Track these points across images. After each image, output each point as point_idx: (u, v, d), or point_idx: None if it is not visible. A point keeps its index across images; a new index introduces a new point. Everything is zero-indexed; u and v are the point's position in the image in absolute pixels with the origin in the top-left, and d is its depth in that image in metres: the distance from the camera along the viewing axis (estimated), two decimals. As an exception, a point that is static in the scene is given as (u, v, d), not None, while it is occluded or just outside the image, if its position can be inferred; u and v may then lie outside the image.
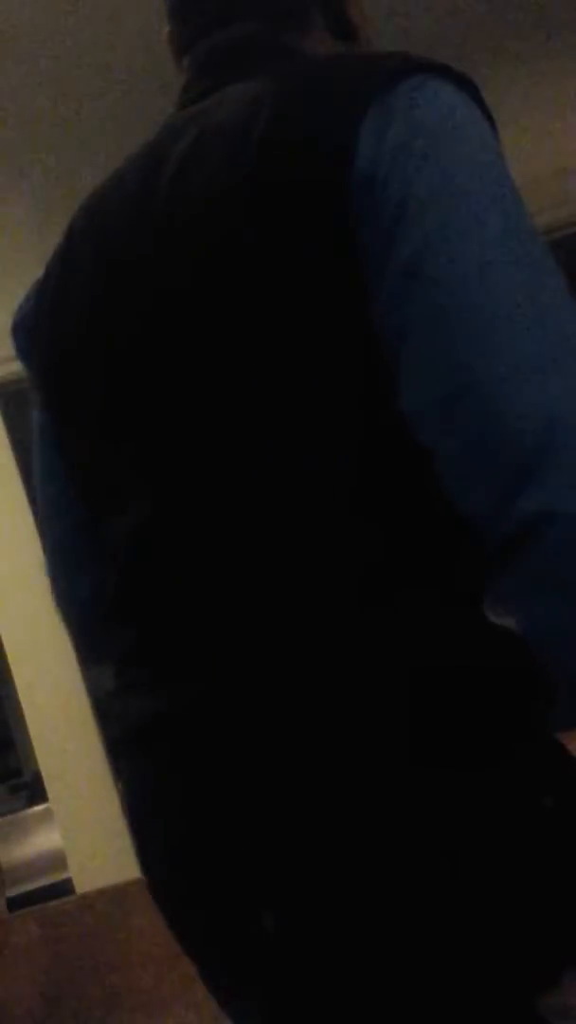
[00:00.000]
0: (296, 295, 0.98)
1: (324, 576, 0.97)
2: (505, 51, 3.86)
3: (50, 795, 3.87)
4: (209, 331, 1.04)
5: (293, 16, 1.18)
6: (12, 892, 4.00)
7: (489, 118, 1.03)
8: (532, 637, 0.92)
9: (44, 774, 3.89)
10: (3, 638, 3.91)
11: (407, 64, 1.01)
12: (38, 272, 1.29)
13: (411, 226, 0.95)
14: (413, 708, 0.94)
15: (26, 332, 1.25)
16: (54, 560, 1.31)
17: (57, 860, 4.15)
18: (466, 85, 1.03)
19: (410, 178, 0.96)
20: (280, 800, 0.98)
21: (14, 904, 3.90)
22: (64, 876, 4.03)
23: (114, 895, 3.52)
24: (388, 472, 0.97)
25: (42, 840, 4.51)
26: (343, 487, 0.98)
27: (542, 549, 0.88)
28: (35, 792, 5.29)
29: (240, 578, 1.01)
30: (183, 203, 1.06)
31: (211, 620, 1.02)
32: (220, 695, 1.01)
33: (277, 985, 1.02)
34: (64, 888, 4.03)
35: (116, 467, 1.13)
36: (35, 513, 1.36)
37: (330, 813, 0.95)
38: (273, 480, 1.00)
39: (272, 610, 0.98)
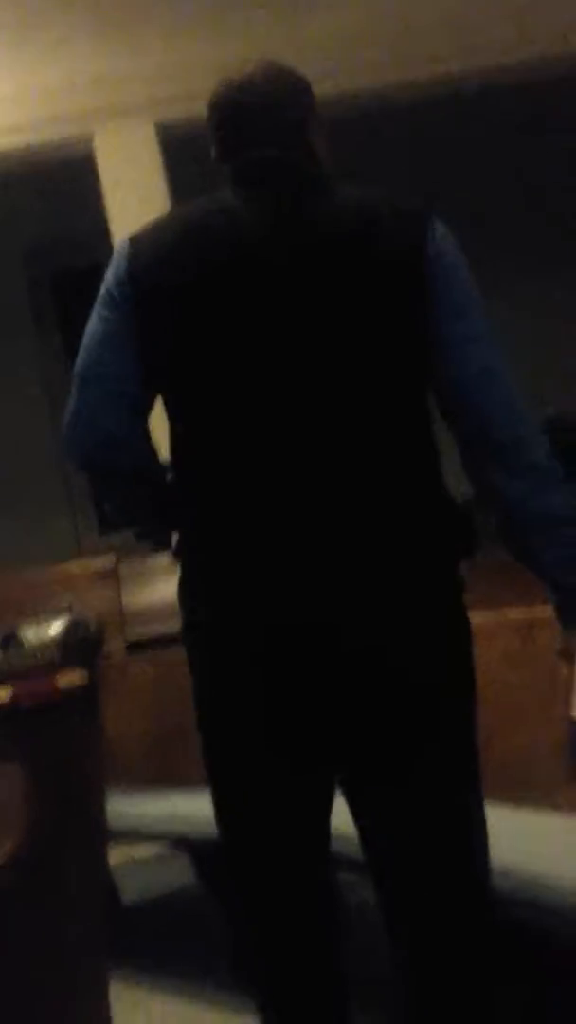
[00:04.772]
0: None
1: (401, 467, 1.91)
2: None
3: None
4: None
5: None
6: (132, 636, 4.13)
7: None
8: (507, 501, 1.92)
9: (172, 526, 3.95)
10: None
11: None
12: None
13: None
14: (431, 518, 1.93)
15: (150, 268, 1.92)
16: (103, 410, 1.94)
17: (176, 609, 4.24)
18: None
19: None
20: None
21: (133, 648, 4.03)
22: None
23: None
24: (426, 431, 1.93)
25: (164, 588, 4.61)
26: (410, 440, 1.92)
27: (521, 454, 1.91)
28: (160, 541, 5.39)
29: (354, 472, 1.88)
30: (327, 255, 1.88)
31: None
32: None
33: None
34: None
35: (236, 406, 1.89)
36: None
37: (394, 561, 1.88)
38: (377, 432, 1.89)
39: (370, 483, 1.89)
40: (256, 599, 1.89)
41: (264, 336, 1.88)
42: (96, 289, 2.05)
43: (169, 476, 2.01)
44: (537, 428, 1.95)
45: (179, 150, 4.20)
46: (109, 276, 1.96)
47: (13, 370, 6.61)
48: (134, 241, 1.97)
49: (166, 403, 1.99)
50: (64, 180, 5.01)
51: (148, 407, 2.00)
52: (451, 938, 1.96)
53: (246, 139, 1.96)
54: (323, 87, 2.14)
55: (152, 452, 2.02)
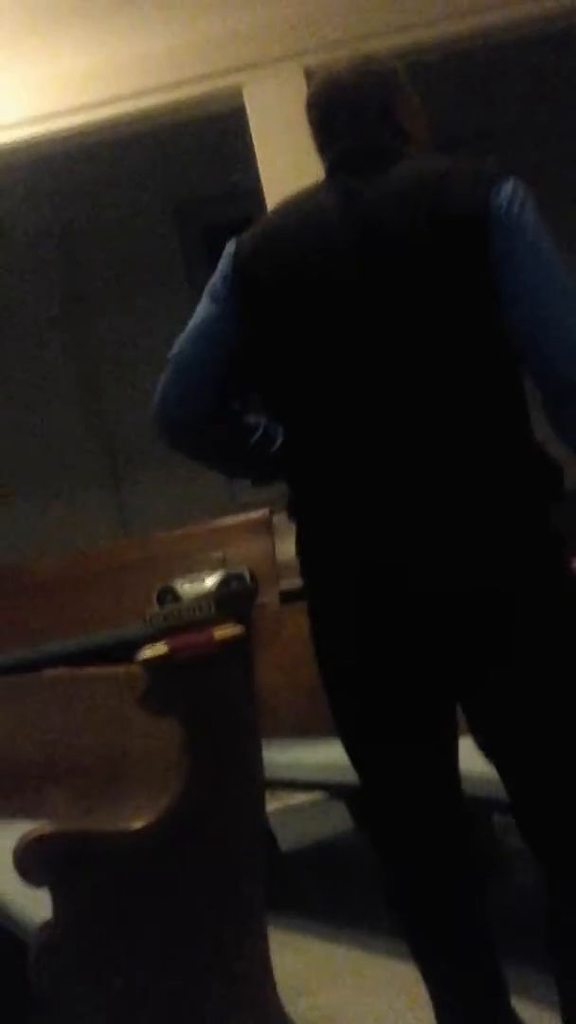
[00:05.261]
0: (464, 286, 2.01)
1: (484, 418, 2.03)
2: None
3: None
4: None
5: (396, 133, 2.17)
6: (286, 587, 4.15)
7: None
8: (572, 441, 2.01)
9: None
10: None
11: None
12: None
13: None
14: (519, 470, 2.05)
15: (249, 262, 2.11)
16: (201, 389, 2.14)
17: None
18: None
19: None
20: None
21: (287, 598, 4.06)
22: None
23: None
24: (509, 381, 2.04)
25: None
26: (493, 392, 2.03)
27: None
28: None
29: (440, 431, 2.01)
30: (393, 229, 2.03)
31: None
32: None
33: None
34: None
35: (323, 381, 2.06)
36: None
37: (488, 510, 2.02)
38: (459, 399, 2.01)
39: (453, 440, 2.01)
40: (353, 548, 2.04)
41: (347, 315, 2.03)
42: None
43: (256, 437, 2.19)
44: None
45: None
46: (217, 270, 2.16)
47: (167, 324, 6.67)
48: (238, 239, 2.16)
49: (265, 380, 2.14)
50: (215, 134, 5.02)
51: (239, 388, 2.17)
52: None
53: (334, 134, 2.16)
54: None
55: (243, 424, 2.19)
